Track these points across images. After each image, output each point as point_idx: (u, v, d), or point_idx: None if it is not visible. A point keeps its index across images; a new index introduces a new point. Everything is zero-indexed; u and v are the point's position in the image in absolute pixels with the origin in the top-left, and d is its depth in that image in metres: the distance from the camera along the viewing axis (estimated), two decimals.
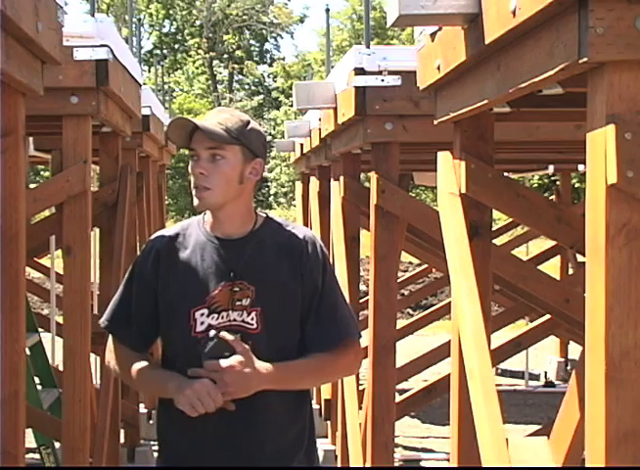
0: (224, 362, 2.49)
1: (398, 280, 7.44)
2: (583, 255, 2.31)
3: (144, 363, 2.66)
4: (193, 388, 2.46)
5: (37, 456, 5.90)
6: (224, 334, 2.54)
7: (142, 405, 8.00)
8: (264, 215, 2.72)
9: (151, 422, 8.26)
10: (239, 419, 2.55)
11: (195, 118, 2.63)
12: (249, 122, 2.64)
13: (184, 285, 2.61)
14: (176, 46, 41.30)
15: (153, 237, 2.76)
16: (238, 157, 2.60)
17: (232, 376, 2.48)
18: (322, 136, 6.86)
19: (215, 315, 2.58)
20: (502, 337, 6.14)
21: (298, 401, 2.67)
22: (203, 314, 2.59)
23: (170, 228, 2.76)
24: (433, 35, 3.39)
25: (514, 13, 2.32)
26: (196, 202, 2.62)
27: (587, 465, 2.08)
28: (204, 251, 2.63)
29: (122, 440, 6.72)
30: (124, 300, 2.71)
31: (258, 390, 2.52)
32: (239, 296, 2.58)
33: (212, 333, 2.55)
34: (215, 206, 2.61)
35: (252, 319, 2.58)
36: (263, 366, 2.52)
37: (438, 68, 3.34)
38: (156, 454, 7.69)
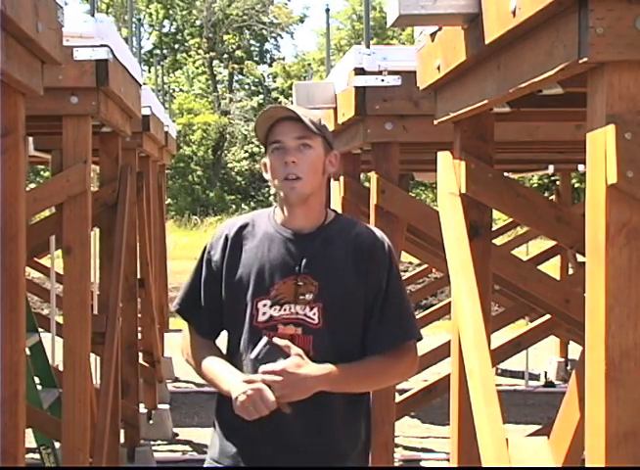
0: (278, 365, 2.51)
1: None
2: (583, 255, 2.31)
3: (210, 356, 2.69)
4: (248, 396, 2.47)
5: (37, 456, 5.90)
6: (276, 340, 2.55)
7: (142, 405, 8.01)
8: (334, 212, 2.75)
9: (151, 422, 8.26)
10: (295, 411, 2.55)
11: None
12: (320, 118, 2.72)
13: (249, 274, 2.64)
14: (176, 46, 41.28)
15: (223, 224, 2.80)
16: (320, 147, 2.67)
17: (287, 378, 2.49)
18: None
19: (278, 307, 2.61)
20: (502, 337, 6.13)
21: (356, 398, 2.67)
22: (265, 305, 2.61)
23: (241, 217, 2.80)
24: (433, 35, 3.39)
25: (514, 13, 2.32)
26: (287, 193, 2.63)
27: (587, 465, 2.08)
28: (271, 242, 2.66)
29: (122, 440, 6.72)
30: (195, 285, 2.75)
31: (314, 391, 2.52)
32: (303, 290, 2.61)
33: (264, 340, 2.56)
34: (305, 196, 2.63)
35: (315, 314, 2.60)
36: (318, 368, 2.53)
37: (438, 68, 3.34)
38: (156, 454, 7.68)
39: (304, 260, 2.63)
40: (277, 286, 2.62)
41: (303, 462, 2.60)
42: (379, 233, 2.73)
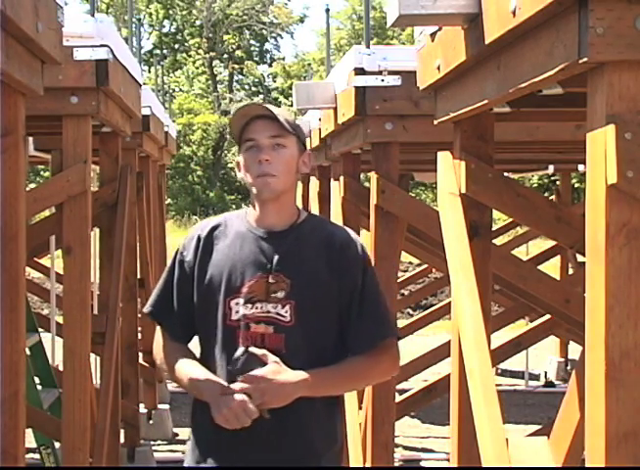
0: (256, 373, 2.50)
1: (398, 280, 7.44)
2: (583, 255, 2.31)
3: (184, 361, 2.67)
4: (230, 408, 2.47)
5: (37, 456, 5.90)
6: (253, 349, 2.55)
7: (142, 405, 8.01)
8: (307, 212, 2.76)
9: (151, 422, 8.26)
10: (270, 413, 2.54)
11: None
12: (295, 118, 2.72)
13: (221, 273, 2.64)
14: (176, 46, 41.28)
15: (196, 226, 2.80)
16: (294, 147, 2.67)
17: (266, 385, 2.49)
18: (322, 136, 6.86)
19: (250, 305, 2.60)
20: (502, 337, 6.14)
21: (331, 399, 2.66)
22: (238, 303, 2.60)
23: (214, 218, 2.80)
24: (433, 35, 3.39)
25: (514, 13, 2.32)
26: (260, 189, 2.64)
27: (587, 465, 2.08)
28: (243, 241, 2.66)
29: (122, 440, 6.72)
30: (167, 287, 2.74)
31: (294, 398, 2.52)
32: (274, 288, 2.60)
33: (241, 349, 2.56)
34: (277, 193, 2.64)
35: (286, 312, 2.59)
36: (297, 374, 2.52)
37: (438, 68, 3.34)
38: (156, 454, 7.68)
39: (276, 258, 2.62)
40: (249, 284, 2.61)
41: (278, 463, 2.59)
42: (351, 233, 2.74)
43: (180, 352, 2.71)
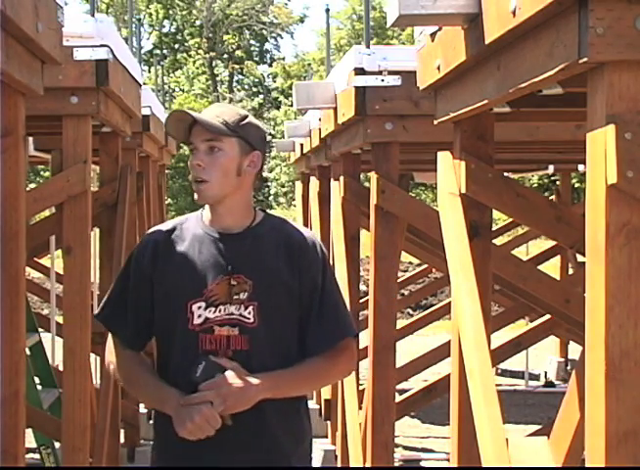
0: (217, 379, 2.50)
1: (398, 280, 7.44)
2: (583, 255, 2.31)
3: (142, 371, 2.64)
4: (193, 421, 2.46)
5: (37, 456, 5.91)
6: (212, 357, 2.54)
7: (142, 405, 8.00)
8: (263, 212, 2.72)
9: (151, 422, 8.25)
10: (232, 414, 2.53)
11: (193, 112, 2.65)
12: (246, 117, 2.65)
13: (181, 277, 2.60)
14: (176, 46, 41.29)
15: (150, 231, 2.76)
16: (235, 149, 2.60)
17: (227, 390, 2.48)
18: (322, 136, 6.86)
19: (213, 309, 2.58)
20: (502, 337, 6.14)
21: (292, 399, 2.65)
22: (200, 307, 2.58)
23: (168, 222, 2.75)
24: (433, 35, 3.39)
25: (514, 13, 2.32)
26: (196, 195, 2.63)
27: (587, 465, 2.08)
28: (201, 244, 2.63)
29: (122, 440, 6.72)
30: (120, 293, 2.70)
31: (256, 401, 2.51)
32: (237, 289, 2.58)
33: (202, 358, 2.54)
34: (214, 198, 2.61)
35: (250, 313, 2.58)
36: (257, 377, 2.52)
37: (438, 68, 3.34)
38: None
39: (236, 260, 2.60)
40: (211, 287, 2.58)
41: (246, 463, 2.58)
42: (309, 233, 2.72)
43: (135, 362, 2.67)
